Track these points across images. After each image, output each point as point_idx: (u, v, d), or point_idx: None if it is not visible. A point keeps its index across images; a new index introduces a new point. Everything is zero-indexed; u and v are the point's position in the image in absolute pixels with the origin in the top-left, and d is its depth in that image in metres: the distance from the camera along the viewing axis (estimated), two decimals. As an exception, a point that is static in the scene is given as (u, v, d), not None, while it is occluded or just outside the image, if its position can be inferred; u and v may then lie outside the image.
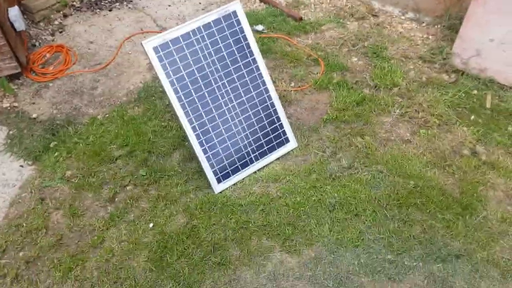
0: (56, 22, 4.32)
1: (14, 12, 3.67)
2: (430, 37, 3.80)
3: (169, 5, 4.44)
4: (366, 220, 2.61)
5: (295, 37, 3.93)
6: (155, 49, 2.60)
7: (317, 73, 3.60)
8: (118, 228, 2.67)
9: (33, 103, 3.54)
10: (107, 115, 3.37)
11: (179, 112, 2.68)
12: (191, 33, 2.66)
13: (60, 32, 4.23)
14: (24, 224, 2.71)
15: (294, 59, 3.71)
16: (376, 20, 4.05)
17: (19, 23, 3.71)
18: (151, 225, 2.68)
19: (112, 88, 3.62)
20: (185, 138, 3.15)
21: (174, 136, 3.17)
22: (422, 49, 3.70)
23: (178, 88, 2.66)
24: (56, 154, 3.11)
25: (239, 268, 2.46)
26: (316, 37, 3.94)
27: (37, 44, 4.08)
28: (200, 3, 4.43)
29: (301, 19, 4.05)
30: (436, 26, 3.85)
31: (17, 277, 2.48)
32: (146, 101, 3.45)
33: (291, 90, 3.44)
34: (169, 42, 2.62)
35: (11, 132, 3.32)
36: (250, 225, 2.64)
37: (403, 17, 4.03)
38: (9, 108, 3.51)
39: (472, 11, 3.31)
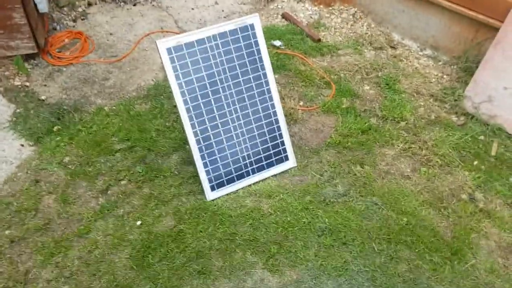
0: (80, 9, 4.38)
1: (40, -6, 3.72)
2: (445, 76, 3.79)
3: (192, 8, 4.49)
4: (353, 250, 2.59)
5: (311, 57, 3.94)
6: (168, 50, 2.62)
7: (327, 95, 3.60)
8: (106, 221, 2.68)
9: (45, 85, 3.58)
10: (114, 107, 3.40)
11: (183, 115, 2.69)
12: (206, 39, 2.68)
13: (82, 19, 4.28)
14: (15, 204, 2.72)
15: (306, 78, 3.71)
16: (393, 52, 4.05)
17: (43, 5, 3.75)
18: (139, 222, 2.68)
19: (124, 81, 3.65)
20: (186, 141, 3.16)
21: (176, 138, 3.18)
22: (435, 87, 3.69)
23: (185, 91, 2.68)
24: (58, 138, 3.13)
25: (219, 279, 2.44)
26: (332, 60, 3.95)
27: (58, 28, 4.14)
28: (223, 11, 4.47)
29: (319, 40, 4.07)
30: (452, 67, 3.84)
31: (-1, 255, 2.49)
32: (155, 99, 3.47)
33: (299, 109, 3.45)
34: (183, 45, 2.65)
35: (18, 111, 3.35)
36: (237, 237, 2.62)
37: (420, 53, 4.03)
38: (20, 86, 3.55)
39: (490, 57, 3.30)
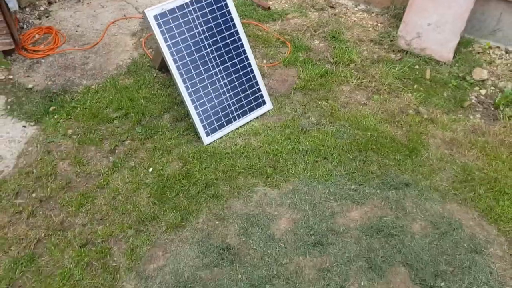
0: (42, 8, 4.63)
1: (8, -7, 3.97)
2: (379, 24, 4.47)
3: (149, -4, 4.87)
4: (333, 162, 3.15)
5: (264, 23, 4.47)
6: (155, 17, 3.04)
7: (285, 52, 4.15)
8: (121, 173, 3.05)
9: (28, 76, 3.84)
10: (101, 85, 3.74)
11: (174, 72, 3.12)
12: (184, 5, 3.12)
13: (47, 17, 4.54)
14: (34, 171, 3.02)
15: (265, 41, 4.24)
16: (333, 11, 4.68)
17: (13, 3, 4.01)
18: (150, 169, 3.08)
19: (103, 63, 3.99)
20: (174, 103, 3.58)
21: (164, 102, 3.58)
22: (373, 34, 4.36)
23: (174, 51, 3.11)
24: (56, 116, 3.44)
25: (230, 199, 2.91)
26: (283, 24, 4.51)
27: (24, 27, 4.37)
28: (177, -5, 4.88)
29: (269, 8, 4.61)
30: (383, 16, 4.53)
31: (32, 213, 2.79)
32: (136, 74, 3.84)
33: (264, 66, 3.97)
34: (167, 12, 3.08)
35: (9, 100, 3.61)
36: (237, 168, 3.10)
37: (356, 9, 4.69)
38: (4, 80, 3.79)
39: (413, 0, 4.00)
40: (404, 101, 3.68)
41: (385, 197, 2.94)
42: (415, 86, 3.82)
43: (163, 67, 3.84)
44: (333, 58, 4.09)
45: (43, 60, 4.00)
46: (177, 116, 3.48)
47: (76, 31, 4.35)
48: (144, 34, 4.32)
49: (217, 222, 2.79)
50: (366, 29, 4.43)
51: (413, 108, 3.62)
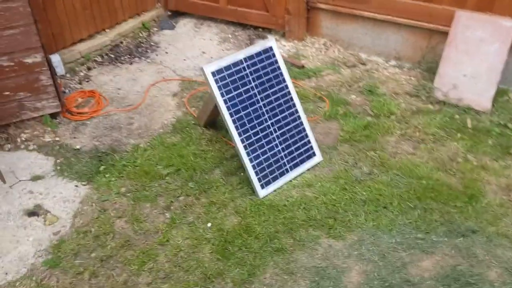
0: (82, 73, 4.78)
1: (56, 58, 4.13)
2: (412, 78, 4.59)
3: (184, 59, 5.05)
4: (394, 211, 3.10)
5: (300, 80, 4.60)
6: (213, 73, 3.14)
7: (324, 107, 4.23)
8: (180, 229, 2.99)
9: (74, 137, 3.88)
10: (149, 143, 3.77)
11: (231, 126, 3.16)
12: (239, 62, 3.23)
13: (87, 81, 4.68)
14: (92, 230, 2.97)
15: (303, 96, 4.34)
16: (365, 67, 4.83)
17: (60, 69, 4.16)
18: (209, 224, 3.02)
19: (148, 123, 4.05)
20: (223, 158, 3.59)
21: (214, 157, 3.59)
22: (407, 87, 4.47)
23: (230, 106, 3.17)
24: (107, 175, 3.43)
25: (295, 252, 2.83)
26: (318, 81, 4.63)
27: (66, 91, 4.49)
28: (212, 58, 5.07)
29: (303, 66, 4.77)
30: (415, 70, 4.67)
31: (94, 273, 2.70)
32: (182, 131, 3.89)
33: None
34: (223, 68, 3.18)
35: (58, 161, 3.62)
36: (296, 220, 3.04)
37: (387, 64, 4.84)
38: (51, 141, 3.82)
39: (447, 54, 4.15)
40: (451, 149, 3.69)
41: (454, 245, 2.86)
42: (459, 135, 3.85)
43: (209, 124, 3.90)
44: (372, 111, 4.16)
45: (88, 122, 4.06)
46: (228, 170, 3.47)
47: (118, 94, 4.46)
48: (185, 94, 4.42)
49: (285, 277, 2.69)
50: (400, 83, 4.55)
51: (461, 156, 3.62)
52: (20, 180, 3.40)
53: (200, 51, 5.20)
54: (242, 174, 3.42)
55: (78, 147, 3.75)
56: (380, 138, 3.83)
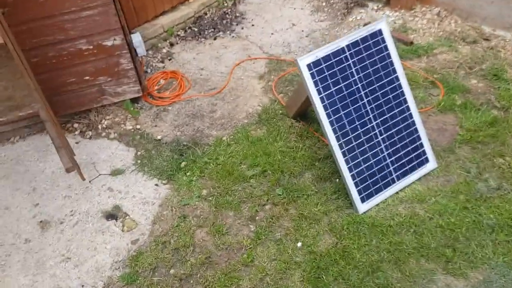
0: (164, 50, 4.48)
1: (137, 38, 3.84)
2: (554, 58, 3.68)
3: (272, 34, 4.54)
4: (532, 243, 2.46)
5: (408, 60, 3.90)
6: (308, 66, 2.62)
7: (437, 95, 3.53)
8: (265, 247, 2.63)
9: (155, 126, 3.63)
10: (232, 136, 3.40)
11: (327, 129, 2.66)
12: (340, 50, 2.67)
13: (169, 59, 4.38)
14: (171, 242, 2.71)
15: (410, 81, 3.65)
16: (488, 44, 3.97)
17: (142, 49, 3.87)
18: (299, 244, 2.62)
19: (231, 111, 3.66)
20: (314, 158, 3.12)
21: (303, 157, 3.14)
22: (547, 71, 3.59)
23: (327, 105, 2.66)
24: (188, 173, 3.14)
25: (403, 290, 2.34)
26: (429, 61, 3.90)
27: (148, 71, 4.23)
28: (302, 31, 4.50)
29: (411, 43, 4.04)
30: (558, 47, 3.74)
31: (172, 294, 2.45)
32: (268, 123, 3.46)
33: (415, 112, 3.37)
34: (321, 60, 2.64)
35: (139, 153, 3.39)
36: (405, 246, 2.53)
37: (518, 40, 3.94)
38: (132, 130, 3.60)
39: None
40: None
41: None
42: None
43: (298, 115, 3.42)
44: (499, 102, 3.39)
45: (169, 108, 3.78)
46: (320, 175, 3.00)
47: (201, 75, 4.11)
48: (272, 76, 3.95)
49: (391, 322, 2.23)
50: (537, 65, 3.67)
51: None
52: (100, 174, 3.23)
53: (289, 23, 4.64)
54: (337, 180, 2.94)
55: (159, 137, 3.50)
56: (510, 139, 3.09)
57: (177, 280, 2.51)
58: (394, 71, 2.81)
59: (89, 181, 3.19)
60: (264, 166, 3.10)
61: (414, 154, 2.88)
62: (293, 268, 2.50)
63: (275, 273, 2.48)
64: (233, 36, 4.59)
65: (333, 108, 2.68)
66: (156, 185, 3.10)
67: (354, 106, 2.73)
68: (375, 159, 2.78)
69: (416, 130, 2.89)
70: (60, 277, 2.64)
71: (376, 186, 2.77)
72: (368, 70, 2.76)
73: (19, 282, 2.65)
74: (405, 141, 2.86)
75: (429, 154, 2.92)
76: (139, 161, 3.31)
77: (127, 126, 3.64)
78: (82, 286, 2.56)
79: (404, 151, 2.85)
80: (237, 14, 4.89)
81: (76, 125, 3.68)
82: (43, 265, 2.72)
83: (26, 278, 2.66)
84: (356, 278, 2.40)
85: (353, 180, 2.72)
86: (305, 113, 3.42)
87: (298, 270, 2.49)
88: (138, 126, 3.63)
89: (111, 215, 2.91)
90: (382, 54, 2.77)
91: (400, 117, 2.85)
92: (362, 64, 2.74)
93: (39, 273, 2.68)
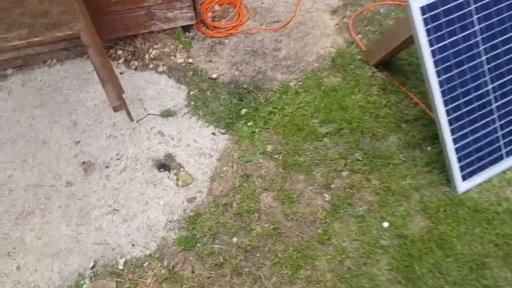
0: (219, -30, 3.84)
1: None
2: None
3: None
4: None
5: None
6: (422, 9, 2.06)
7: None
8: (345, 223, 2.24)
9: (210, 61, 3.13)
10: (300, 83, 2.90)
11: (435, 90, 2.15)
12: (466, -9, 2.09)
13: (225, -19, 3.76)
14: (234, 205, 2.33)
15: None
16: None
17: (197, -32, 3.26)
18: (385, 224, 2.22)
19: (299, 51, 3.13)
20: (400, 119, 2.64)
21: (387, 115, 2.66)
22: None
23: (439, 60, 2.13)
24: (250, 123, 2.70)
25: (513, 295, 1.97)
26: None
27: (201, -7, 3.64)
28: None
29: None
30: None
31: (237, 269, 2.12)
32: (344, 70, 2.94)
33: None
34: (438, 3, 2.07)
35: (192, 93, 2.94)
36: (515, 240, 2.12)
37: None
38: (184, 64, 3.12)
39: None
40: None
41: None
42: None
43: (382, 63, 2.89)
44: None
45: (226, 41, 3.25)
46: (408, 140, 2.54)
47: (262, 3, 3.51)
48: (348, 12, 3.35)
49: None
50: None
51: None
52: (148, 114, 2.82)
53: None
54: (429, 148, 2.48)
55: (214, 76, 3.02)
56: None
57: (241, 251, 2.17)
58: (527, 22, 2.23)
59: (137, 121, 2.78)
60: (340, 123, 2.64)
61: (532, 126, 2.37)
62: (379, 253, 2.13)
63: (357, 257, 2.12)
64: (299, -42, 3.90)
65: (444, 65, 2.15)
66: (213, 133, 2.68)
67: (470, 65, 2.20)
68: (484, 131, 2.29)
69: (538, 98, 2.36)
70: (107, 231, 2.33)
71: (481, 163, 2.31)
72: (492, 20, 2.18)
73: (61, 232, 2.34)
74: (524, 111, 2.34)
75: (548, 128, 2.41)
76: (192, 103, 2.86)
77: (177, 59, 3.15)
78: (133, 245, 2.25)
79: (521, 122, 2.35)
80: None
81: (120, 52, 3.20)
82: (88, 215, 2.39)
83: (69, 228, 2.35)
84: (457, 275, 2.03)
85: (457, 154, 2.26)
86: (389, 62, 2.89)
87: (385, 256, 2.12)
88: (190, 60, 3.14)
89: (163, 165, 2.53)
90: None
91: (523, 81, 2.31)
92: (486, 12, 2.16)
93: (83, 224, 2.37)
